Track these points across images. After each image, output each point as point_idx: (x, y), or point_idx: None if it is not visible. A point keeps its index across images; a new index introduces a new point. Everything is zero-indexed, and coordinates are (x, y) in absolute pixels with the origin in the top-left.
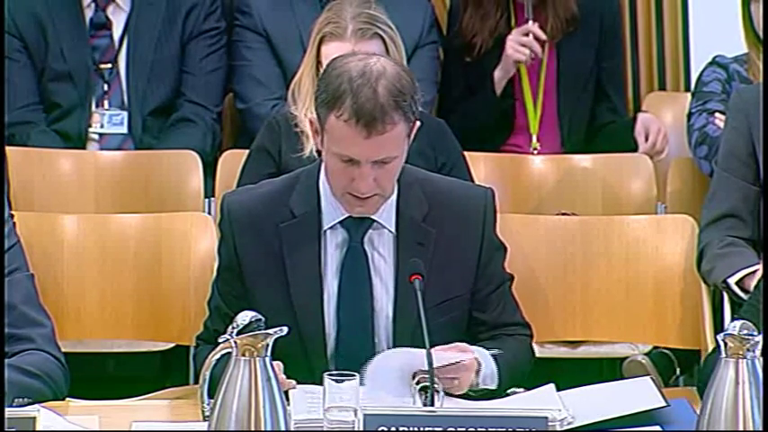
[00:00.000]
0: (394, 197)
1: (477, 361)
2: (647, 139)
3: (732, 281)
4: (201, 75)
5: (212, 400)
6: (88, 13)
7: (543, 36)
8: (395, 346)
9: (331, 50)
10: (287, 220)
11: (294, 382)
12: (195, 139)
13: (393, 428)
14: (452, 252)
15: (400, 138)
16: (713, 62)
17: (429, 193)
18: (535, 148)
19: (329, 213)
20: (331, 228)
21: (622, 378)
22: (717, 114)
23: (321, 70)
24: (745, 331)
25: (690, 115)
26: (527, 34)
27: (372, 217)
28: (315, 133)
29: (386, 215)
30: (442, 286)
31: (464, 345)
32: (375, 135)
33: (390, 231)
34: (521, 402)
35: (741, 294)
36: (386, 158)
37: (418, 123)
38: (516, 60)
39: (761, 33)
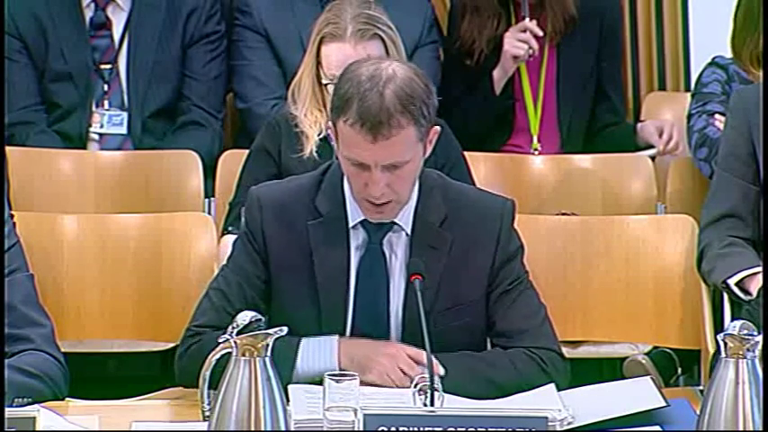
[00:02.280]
0: (414, 200)
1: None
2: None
3: (732, 282)
4: (205, 80)
5: (212, 400)
6: (88, 13)
7: (540, 32)
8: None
9: (331, 51)
10: (314, 219)
11: None
12: (205, 143)
13: (393, 428)
14: (466, 258)
15: (410, 142)
16: (712, 63)
17: (448, 198)
18: (536, 149)
19: (352, 213)
20: (353, 227)
21: (622, 378)
22: (717, 116)
23: (321, 71)
24: (745, 331)
25: (689, 117)
26: (524, 31)
27: (393, 219)
28: (334, 138)
29: (405, 218)
30: (454, 291)
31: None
32: (381, 139)
33: (407, 234)
34: (521, 402)
35: (741, 295)
36: (396, 163)
37: (438, 128)
38: (514, 56)
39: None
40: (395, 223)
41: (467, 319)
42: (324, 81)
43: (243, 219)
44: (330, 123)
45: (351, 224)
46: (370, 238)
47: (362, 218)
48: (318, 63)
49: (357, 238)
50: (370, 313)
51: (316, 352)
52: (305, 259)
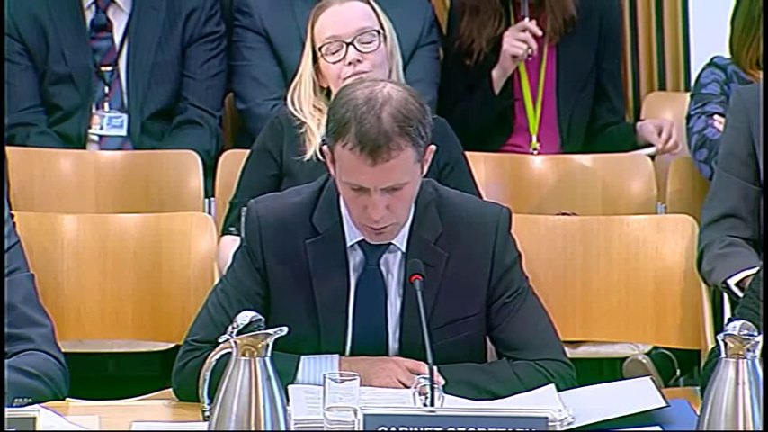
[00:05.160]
0: (410, 219)
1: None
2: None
3: (732, 282)
4: (203, 79)
5: (212, 400)
6: (89, 15)
7: (539, 32)
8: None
9: (323, 19)
10: (311, 237)
11: None
12: (203, 142)
13: (393, 428)
14: (463, 274)
15: (408, 164)
16: (711, 63)
17: (443, 214)
18: (535, 149)
19: (349, 232)
20: (350, 247)
21: (622, 378)
22: (716, 117)
23: (321, 61)
24: (745, 331)
25: (689, 118)
26: (524, 30)
27: (391, 240)
28: (330, 163)
29: (401, 237)
30: (452, 306)
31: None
32: (381, 162)
33: (403, 252)
34: (521, 402)
35: (741, 295)
36: (396, 185)
37: (433, 147)
38: (513, 55)
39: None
40: (391, 243)
41: (466, 333)
42: (322, 49)
43: (243, 232)
44: (325, 148)
45: (348, 243)
46: (367, 259)
47: (360, 238)
48: (316, 65)
49: (355, 258)
50: (368, 332)
51: (317, 369)
52: (303, 278)
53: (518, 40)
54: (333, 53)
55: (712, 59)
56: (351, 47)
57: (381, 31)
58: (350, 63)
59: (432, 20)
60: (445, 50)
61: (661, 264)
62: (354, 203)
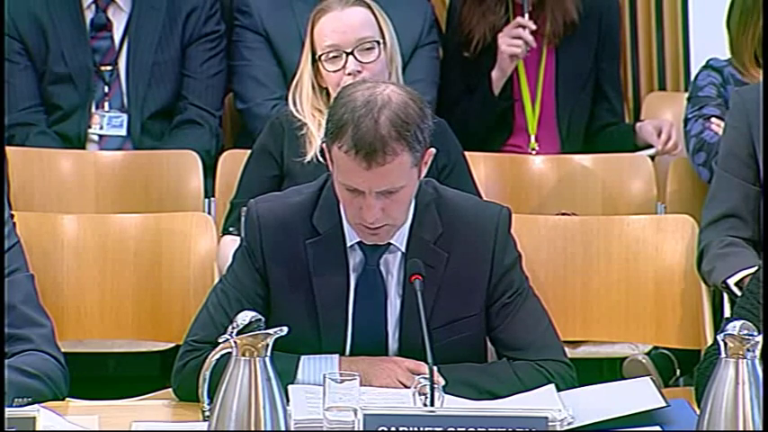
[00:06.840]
0: (409, 219)
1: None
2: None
3: (732, 282)
4: (203, 78)
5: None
6: (89, 15)
7: (533, 26)
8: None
9: (323, 24)
10: (312, 238)
11: None
12: (203, 141)
13: (393, 428)
14: (463, 274)
15: (404, 168)
16: (707, 66)
17: (443, 214)
18: (533, 149)
19: (349, 232)
20: (350, 247)
21: (622, 378)
22: (713, 119)
23: (319, 65)
24: (745, 331)
25: (686, 121)
26: (518, 27)
27: (388, 241)
28: (329, 161)
29: (400, 238)
30: (451, 306)
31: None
32: (376, 166)
33: (403, 253)
34: (521, 402)
35: (740, 295)
36: (390, 189)
37: (433, 150)
38: (512, 55)
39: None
40: (391, 243)
41: (465, 333)
42: (322, 57)
43: (243, 232)
44: (325, 146)
45: (348, 244)
46: (366, 260)
47: (358, 239)
48: (315, 65)
49: (354, 259)
50: (368, 333)
51: (317, 369)
52: (304, 278)
53: (514, 38)
54: (332, 62)
55: (708, 62)
56: (351, 57)
57: (381, 40)
58: (350, 74)
59: (432, 19)
60: (444, 49)
61: (661, 264)
62: (350, 204)
